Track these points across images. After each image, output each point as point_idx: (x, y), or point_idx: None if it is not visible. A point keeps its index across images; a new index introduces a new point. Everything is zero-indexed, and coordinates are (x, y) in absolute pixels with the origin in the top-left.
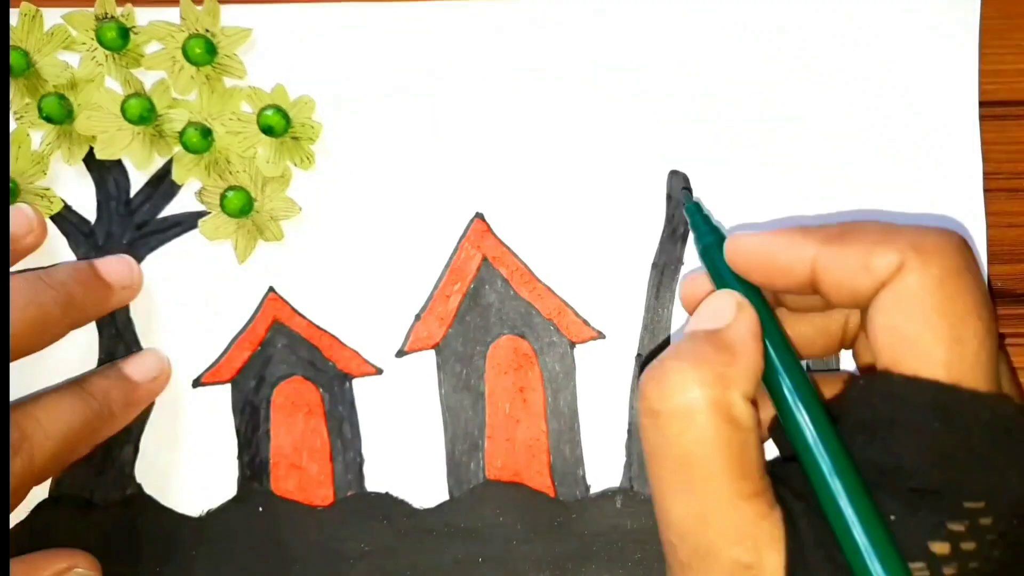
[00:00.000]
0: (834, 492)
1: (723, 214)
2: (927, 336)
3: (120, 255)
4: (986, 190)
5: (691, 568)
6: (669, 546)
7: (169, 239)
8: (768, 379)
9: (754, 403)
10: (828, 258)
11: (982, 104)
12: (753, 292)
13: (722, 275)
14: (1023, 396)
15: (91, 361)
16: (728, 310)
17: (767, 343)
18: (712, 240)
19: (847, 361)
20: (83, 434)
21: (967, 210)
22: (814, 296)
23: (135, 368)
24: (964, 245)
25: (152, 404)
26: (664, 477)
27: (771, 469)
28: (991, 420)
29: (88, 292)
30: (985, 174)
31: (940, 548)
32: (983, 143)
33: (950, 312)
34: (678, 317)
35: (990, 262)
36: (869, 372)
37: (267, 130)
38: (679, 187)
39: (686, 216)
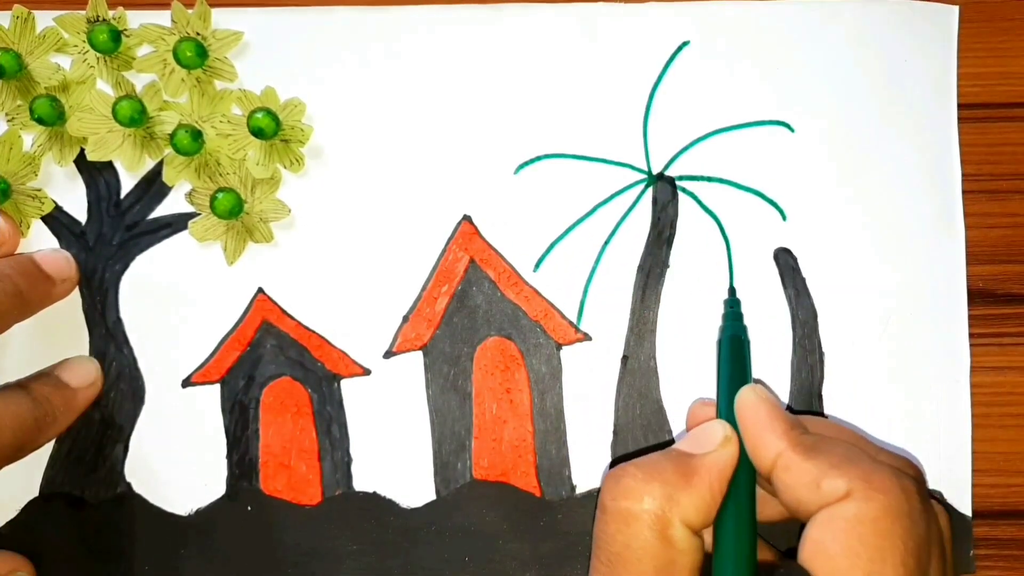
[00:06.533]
0: None
1: (710, 214)
2: (845, 564)
3: (56, 248)
4: (966, 191)
5: None
6: None
7: (159, 240)
8: (718, 520)
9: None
10: (789, 461)
11: (961, 106)
12: None
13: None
14: None
15: None
16: (712, 440)
17: (733, 488)
18: (732, 333)
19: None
20: (31, 434)
21: (946, 211)
22: None
23: (72, 375)
24: (915, 487)
25: (143, 404)
26: (597, 567)
27: None
28: None
29: (32, 285)
30: (965, 176)
31: None
32: (963, 145)
33: (874, 549)
34: (663, 319)
35: (969, 263)
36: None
37: (257, 132)
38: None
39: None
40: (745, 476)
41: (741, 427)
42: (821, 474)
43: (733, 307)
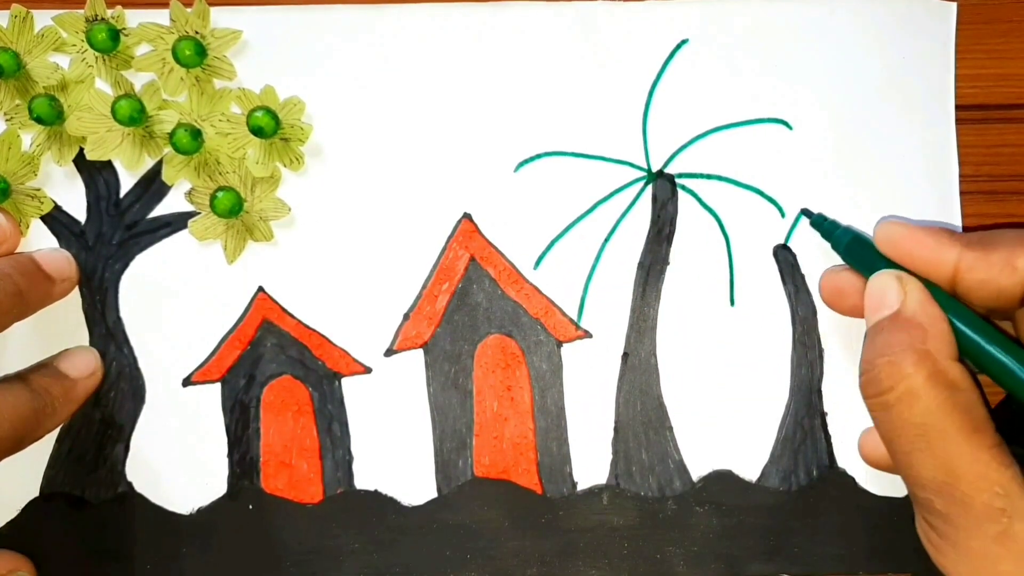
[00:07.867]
0: None
1: (710, 211)
2: None
3: (56, 248)
4: (963, 193)
5: (950, 516)
6: (924, 502)
7: (159, 239)
8: (960, 340)
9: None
10: (972, 259)
11: (960, 108)
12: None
13: (873, 262)
14: None
15: None
16: (894, 290)
17: (948, 312)
18: (853, 236)
19: None
20: (30, 425)
21: (944, 212)
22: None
23: (72, 366)
24: None
25: (143, 403)
26: (907, 447)
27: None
28: None
29: (32, 284)
30: (963, 177)
31: None
32: (961, 146)
33: None
34: (664, 316)
35: None
36: None
37: (257, 131)
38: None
39: (815, 228)
40: (942, 294)
41: (901, 255)
42: (1011, 254)
43: (822, 220)
